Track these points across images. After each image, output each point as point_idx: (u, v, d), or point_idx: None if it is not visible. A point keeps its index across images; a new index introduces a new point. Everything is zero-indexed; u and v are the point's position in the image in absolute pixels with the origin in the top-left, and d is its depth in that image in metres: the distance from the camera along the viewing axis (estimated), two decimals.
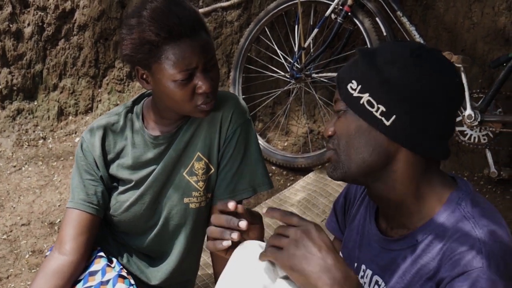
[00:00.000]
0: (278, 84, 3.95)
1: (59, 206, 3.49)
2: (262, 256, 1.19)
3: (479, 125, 3.08)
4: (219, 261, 1.84)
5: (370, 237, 1.39)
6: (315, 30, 3.52)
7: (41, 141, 4.19)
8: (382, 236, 1.35)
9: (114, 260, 1.87)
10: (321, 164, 3.53)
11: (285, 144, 3.96)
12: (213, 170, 1.83)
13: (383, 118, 1.21)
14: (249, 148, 1.84)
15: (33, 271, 2.95)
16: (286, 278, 1.24)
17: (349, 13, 3.37)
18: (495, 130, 3.07)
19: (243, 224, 1.23)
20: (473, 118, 3.05)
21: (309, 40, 3.57)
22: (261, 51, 3.96)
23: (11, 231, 3.27)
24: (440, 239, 1.22)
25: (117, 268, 1.83)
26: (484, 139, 3.11)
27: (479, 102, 3.09)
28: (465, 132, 3.13)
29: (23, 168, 3.90)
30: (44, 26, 4.28)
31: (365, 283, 1.37)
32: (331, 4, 3.42)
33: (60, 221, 3.31)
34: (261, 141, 3.79)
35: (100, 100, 4.38)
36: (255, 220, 1.34)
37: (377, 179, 1.28)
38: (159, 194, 1.84)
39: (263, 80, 3.98)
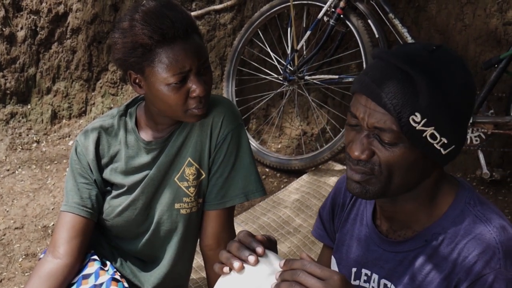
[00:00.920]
0: (272, 86, 3.96)
1: (52, 209, 3.48)
2: None
3: (471, 127, 3.10)
4: (212, 266, 1.84)
5: (369, 240, 1.38)
6: (308, 33, 3.53)
7: (34, 144, 4.18)
8: (385, 238, 1.34)
9: (108, 263, 1.87)
10: (315, 166, 3.54)
11: (279, 146, 3.97)
12: (204, 175, 1.82)
13: (441, 149, 1.18)
14: (241, 153, 1.82)
15: (26, 274, 2.95)
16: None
17: (342, 16, 3.38)
18: (487, 132, 3.08)
19: (251, 259, 1.19)
20: None
21: (302, 42, 3.58)
22: (254, 54, 3.97)
23: (4, 235, 3.26)
24: (453, 238, 1.22)
25: (111, 271, 1.83)
26: (477, 140, 3.12)
27: None
28: None
29: (16, 172, 3.89)
30: (37, 29, 4.28)
31: (373, 287, 1.36)
32: (323, 7, 3.43)
33: (53, 225, 3.31)
34: (254, 143, 3.79)
35: (93, 104, 4.37)
36: (271, 246, 1.30)
37: (406, 193, 1.26)
38: (151, 199, 1.84)
39: (256, 83, 3.99)
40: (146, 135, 1.82)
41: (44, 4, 4.24)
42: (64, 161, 3.95)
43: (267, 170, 3.73)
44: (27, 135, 4.23)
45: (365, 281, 1.38)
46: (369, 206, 1.41)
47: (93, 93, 4.38)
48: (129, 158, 1.82)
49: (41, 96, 4.34)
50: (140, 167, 1.82)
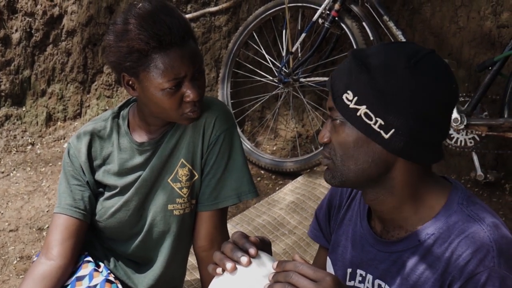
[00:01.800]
0: (267, 88, 3.97)
1: (47, 211, 3.47)
2: None
3: (466, 129, 3.10)
4: (205, 267, 1.84)
5: (364, 241, 1.38)
6: (303, 35, 3.54)
7: (29, 146, 4.18)
8: (379, 238, 1.34)
9: (102, 264, 1.87)
10: (310, 168, 3.55)
11: (274, 148, 3.97)
12: (197, 176, 1.83)
13: (381, 131, 1.20)
14: (234, 154, 1.82)
15: (20, 277, 2.94)
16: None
17: (336, 18, 3.39)
18: (481, 134, 3.09)
19: (244, 260, 1.20)
20: (460, 121, 3.08)
21: (297, 44, 3.59)
22: (249, 56, 3.97)
23: None
24: (446, 238, 1.23)
25: (105, 272, 1.83)
26: (471, 143, 3.13)
27: (465, 106, 3.12)
28: (452, 136, 3.15)
29: (11, 174, 3.89)
30: (32, 32, 4.27)
31: None
32: (318, 9, 3.44)
33: (48, 227, 3.30)
34: (249, 145, 3.80)
35: (88, 106, 4.37)
36: (265, 248, 1.31)
37: (376, 185, 1.28)
38: (144, 201, 1.84)
39: (251, 85, 3.99)
40: (138, 136, 1.82)
41: (39, 6, 4.23)
42: (59, 163, 3.95)
43: (262, 172, 3.73)
44: (22, 137, 4.22)
45: (360, 282, 1.39)
46: (364, 207, 1.41)
47: (88, 95, 4.38)
48: (122, 160, 1.83)
49: (36, 98, 4.34)
50: (133, 168, 1.82)
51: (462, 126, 3.08)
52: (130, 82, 1.70)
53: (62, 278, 1.79)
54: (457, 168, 3.41)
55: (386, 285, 1.32)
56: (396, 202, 1.28)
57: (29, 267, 2.93)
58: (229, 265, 1.20)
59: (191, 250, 1.99)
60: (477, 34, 3.33)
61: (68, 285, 1.80)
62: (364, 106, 1.20)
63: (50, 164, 3.96)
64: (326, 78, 3.57)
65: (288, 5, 3.57)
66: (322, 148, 1.31)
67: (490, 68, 3.06)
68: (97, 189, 1.86)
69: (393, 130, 1.19)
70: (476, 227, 1.20)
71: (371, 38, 3.32)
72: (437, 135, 1.24)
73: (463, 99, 3.17)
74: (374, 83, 1.19)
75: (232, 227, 3.12)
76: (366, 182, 1.27)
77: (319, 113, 3.81)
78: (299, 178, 3.53)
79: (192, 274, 2.68)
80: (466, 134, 3.13)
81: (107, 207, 1.84)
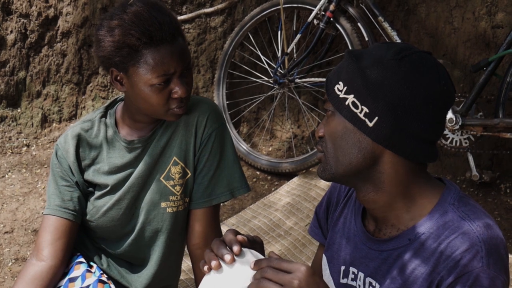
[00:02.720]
0: (262, 89, 3.97)
1: (42, 213, 3.45)
2: None
3: (461, 129, 3.11)
4: (199, 264, 1.84)
5: (357, 239, 1.39)
6: (298, 36, 3.54)
7: (24, 148, 4.17)
8: (371, 237, 1.35)
9: (94, 265, 1.87)
10: (306, 169, 3.55)
11: (270, 149, 3.97)
12: (189, 174, 1.84)
13: (366, 120, 1.23)
14: (225, 151, 1.85)
15: (16, 278, 2.93)
16: None
17: (331, 19, 3.39)
18: (476, 134, 3.10)
19: (227, 257, 1.21)
20: (455, 122, 3.08)
21: (292, 45, 3.59)
22: (244, 57, 3.97)
23: None
24: (436, 238, 1.23)
25: (97, 273, 1.83)
26: (466, 143, 3.14)
27: (460, 106, 3.12)
28: (447, 136, 3.16)
29: (6, 176, 3.88)
30: (27, 33, 4.26)
31: (359, 285, 1.37)
32: (313, 10, 3.44)
33: None
34: (245, 146, 3.80)
35: (84, 107, 4.36)
36: (255, 246, 1.32)
37: (366, 180, 1.29)
38: (136, 199, 1.84)
39: (247, 86, 3.99)
40: (127, 134, 1.83)
41: (34, 8, 4.23)
42: None
43: (257, 173, 3.73)
44: (17, 138, 4.21)
45: (352, 279, 1.40)
46: (359, 206, 1.42)
47: (83, 97, 4.37)
48: (111, 158, 1.83)
49: (31, 100, 4.33)
50: (122, 166, 1.83)
51: (457, 127, 3.09)
52: (119, 77, 1.71)
53: (53, 279, 1.79)
54: (453, 168, 3.42)
55: (377, 283, 1.32)
56: (386, 199, 1.29)
57: None
58: (213, 262, 1.22)
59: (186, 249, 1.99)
60: (472, 34, 3.34)
61: (60, 286, 1.80)
62: (352, 95, 1.24)
63: (46, 166, 3.95)
64: (321, 79, 3.58)
65: (283, 6, 3.57)
66: (318, 143, 1.35)
67: (485, 68, 3.07)
68: (86, 189, 1.86)
69: (376, 118, 1.22)
70: (466, 228, 1.21)
71: (366, 38, 3.33)
72: (424, 132, 1.24)
73: (458, 100, 3.17)
74: (362, 73, 1.23)
75: (227, 227, 3.12)
76: (355, 176, 1.29)
77: (315, 114, 3.82)
78: (295, 179, 3.53)
79: (186, 274, 2.68)
80: (461, 134, 3.14)
81: (98, 206, 1.84)
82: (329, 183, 3.33)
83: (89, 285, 1.76)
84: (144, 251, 1.90)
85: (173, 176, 1.82)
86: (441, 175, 3.41)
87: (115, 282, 1.89)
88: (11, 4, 4.25)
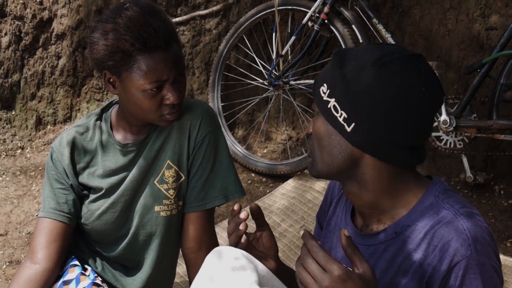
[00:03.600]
0: (257, 91, 3.97)
1: (37, 216, 3.44)
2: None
3: (455, 131, 3.12)
4: (194, 269, 1.84)
5: None
6: (293, 38, 3.55)
7: (19, 151, 4.16)
8: (358, 232, 1.36)
9: (89, 268, 1.86)
10: (300, 171, 3.55)
11: (265, 151, 3.98)
12: (183, 178, 1.83)
13: (345, 124, 1.25)
14: (219, 155, 1.84)
15: (10, 281, 2.92)
16: (259, 284, 1.24)
17: (326, 21, 3.40)
18: (470, 135, 3.11)
19: (243, 214, 1.37)
20: (449, 123, 3.09)
21: (287, 47, 3.60)
22: (239, 59, 3.97)
23: None
24: (421, 229, 1.25)
25: (92, 276, 1.82)
26: (460, 144, 3.15)
27: (454, 108, 3.13)
28: (441, 138, 3.17)
29: (0, 178, 3.87)
30: (22, 35, 4.26)
31: None
32: (308, 12, 3.44)
33: None
34: (240, 149, 3.80)
35: (79, 109, 4.36)
36: (260, 222, 1.48)
37: (349, 179, 1.31)
38: (130, 202, 1.84)
39: (242, 88, 3.99)
40: (121, 137, 1.83)
41: (28, 10, 4.22)
42: None
43: (253, 175, 3.73)
44: (12, 141, 4.20)
45: None
46: (350, 204, 1.44)
47: (78, 99, 4.36)
48: (105, 161, 1.83)
49: (26, 102, 4.32)
50: (117, 169, 1.82)
51: (451, 128, 3.10)
52: (111, 80, 1.71)
53: (48, 281, 1.78)
54: (447, 170, 3.42)
55: None
56: (371, 197, 1.31)
57: None
58: (242, 225, 1.40)
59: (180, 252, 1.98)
60: (466, 36, 3.35)
61: None
62: (334, 99, 1.26)
63: (40, 168, 3.95)
64: None
65: (278, 8, 3.58)
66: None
67: (478, 70, 3.08)
68: (81, 192, 1.85)
69: (353, 124, 1.24)
70: (450, 217, 1.23)
71: (361, 40, 3.34)
72: (404, 137, 1.24)
73: (452, 101, 3.18)
74: (343, 78, 1.25)
75: (223, 230, 3.11)
76: (338, 174, 1.32)
77: (310, 115, 3.82)
78: (290, 181, 3.53)
79: (181, 277, 2.67)
80: (456, 136, 3.14)
81: (93, 209, 1.84)
82: (324, 186, 3.34)
83: None
84: (138, 255, 1.90)
85: (167, 180, 1.81)
86: (430, 174, 3.42)
87: (110, 285, 1.89)
88: (5, 7, 4.24)
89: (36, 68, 4.31)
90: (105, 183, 1.82)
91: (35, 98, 4.33)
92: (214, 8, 4.01)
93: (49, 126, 4.33)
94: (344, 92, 1.24)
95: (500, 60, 3.11)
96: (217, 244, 1.88)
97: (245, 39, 3.84)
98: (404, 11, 3.52)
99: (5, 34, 4.23)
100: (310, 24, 3.47)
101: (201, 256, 1.53)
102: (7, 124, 4.25)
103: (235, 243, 1.41)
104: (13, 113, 4.29)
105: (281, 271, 1.49)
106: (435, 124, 3.14)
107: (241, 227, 1.39)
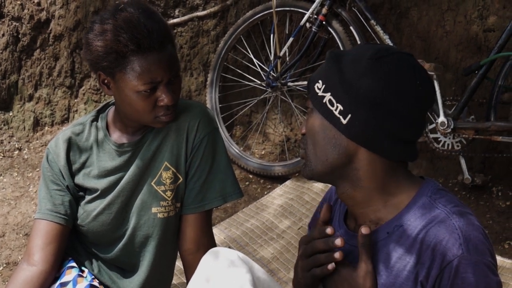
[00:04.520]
0: (255, 92, 3.97)
1: (34, 217, 3.45)
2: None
3: (453, 132, 3.12)
4: (191, 271, 1.84)
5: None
6: (291, 39, 3.55)
7: (16, 152, 4.15)
8: (351, 233, 1.36)
9: (86, 270, 1.86)
10: (298, 172, 3.55)
11: (262, 152, 3.97)
12: (181, 179, 1.83)
13: (341, 117, 1.26)
14: (217, 156, 1.83)
15: (6, 283, 2.92)
16: (254, 285, 1.24)
17: (324, 22, 3.40)
18: (468, 137, 3.11)
19: (338, 241, 1.26)
20: (446, 125, 3.09)
21: (285, 49, 3.59)
22: (237, 60, 3.97)
23: None
24: (414, 229, 1.25)
25: (89, 278, 1.82)
26: (458, 146, 3.15)
27: (452, 110, 3.13)
28: (439, 139, 3.17)
29: None
30: (19, 36, 4.25)
31: None
32: (306, 13, 3.44)
33: None
34: (238, 149, 3.80)
35: (76, 110, 4.35)
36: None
37: (343, 178, 1.32)
38: (127, 203, 1.83)
39: (240, 89, 3.99)
40: (117, 138, 1.83)
41: (26, 11, 4.22)
42: None
43: (250, 176, 3.73)
44: (9, 142, 4.20)
45: None
46: (344, 208, 1.44)
47: (75, 100, 4.36)
48: (101, 162, 1.83)
49: (23, 103, 4.31)
50: (112, 170, 1.82)
51: (449, 130, 3.10)
52: (106, 81, 1.71)
53: (44, 283, 1.77)
54: (445, 172, 3.42)
55: None
56: (364, 195, 1.31)
57: None
58: (337, 254, 1.27)
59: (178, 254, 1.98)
60: (464, 38, 3.35)
61: None
62: (329, 93, 1.28)
63: (38, 169, 3.94)
64: None
65: (276, 9, 3.58)
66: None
67: (476, 71, 3.08)
68: (77, 193, 1.85)
69: (349, 115, 1.26)
70: (442, 217, 1.23)
71: (359, 42, 3.34)
72: (399, 129, 1.27)
73: (450, 103, 3.18)
74: (340, 72, 1.27)
75: (221, 231, 3.11)
76: (332, 173, 1.31)
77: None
78: (288, 182, 3.53)
79: (179, 278, 2.67)
80: (453, 138, 3.14)
81: (89, 210, 1.83)
82: (322, 187, 3.33)
83: None
84: (135, 257, 1.89)
85: (164, 181, 1.81)
86: (433, 178, 3.42)
87: (106, 287, 1.88)
88: (3, 7, 4.24)
89: (33, 69, 4.30)
90: (100, 183, 1.82)
91: (32, 99, 4.32)
92: (212, 9, 4.01)
93: (46, 127, 4.32)
94: (340, 85, 1.26)
95: (498, 62, 3.11)
96: (215, 246, 1.87)
97: (243, 40, 3.84)
98: (402, 12, 3.52)
99: (3, 35, 4.22)
100: (308, 25, 3.47)
101: (199, 258, 1.53)
102: (4, 125, 4.24)
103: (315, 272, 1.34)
104: (10, 114, 4.29)
105: None
106: (433, 125, 3.14)
107: (338, 256, 1.27)
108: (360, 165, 1.29)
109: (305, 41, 3.54)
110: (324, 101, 1.28)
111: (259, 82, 3.85)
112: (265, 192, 3.55)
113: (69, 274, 1.80)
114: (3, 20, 4.23)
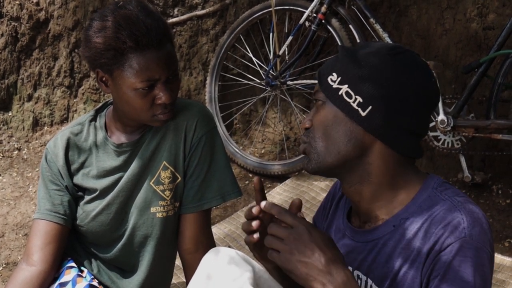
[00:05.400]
0: (254, 91, 3.96)
1: (33, 217, 3.44)
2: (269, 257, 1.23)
3: (452, 130, 3.11)
4: (191, 270, 1.83)
5: (344, 235, 1.41)
6: (290, 38, 3.54)
7: (16, 152, 4.15)
8: (356, 230, 1.36)
9: (85, 270, 1.85)
10: (298, 171, 3.54)
11: (262, 151, 3.97)
12: (179, 179, 1.82)
13: (359, 109, 1.26)
14: (216, 156, 1.83)
15: (6, 283, 2.91)
16: (254, 284, 1.24)
17: (323, 21, 3.40)
18: (468, 135, 3.10)
19: (263, 203, 1.27)
20: (446, 123, 3.09)
21: (284, 47, 3.59)
22: (236, 59, 3.97)
23: None
24: (419, 220, 1.25)
25: (88, 278, 1.82)
26: (458, 144, 3.14)
27: (452, 108, 3.13)
28: (439, 137, 3.16)
29: None
30: (18, 36, 4.25)
31: None
32: (305, 12, 3.44)
33: None
34: (237, 148, 3.79)
35: (75, 110, 4.35)
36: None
37: (352, 171, 1.31)
38: (126, 203, 1.83)
39: (239, 88, 3.99)
40: (116, 138, 1.82)
41: (24, 11, 4.21)
42: None
43: (250, 175, 3.73)
44: (8, 142, 4.19)
45: None
46: (348, 205, 1.44)
47: (75, 100, 4.35)
48: (100, 162, 1.82)
49: (23, 103, 4.31)
50: (111, 170, 1.81)
51: (449, 128, 3.09)
52: (104, 79, 1.70)
53: (44, 284, 1.77)
54: (445, 170, 3.42)
55: (363, 275, 1.34)
56: (372, 190, 1.31)
57: None
58: (255, 208, 1.29)
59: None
60: (463, 36, 3.35)
61: None
62: (346, 85, 1.27)
63: (37, 169, 3.94)
64: (313, 81, 3.58)
65: (275, 8, 3.57)
66: (303, 134, 1.37)
67: (476, 69, 3.08)
68: (76, 193, 1.85)
69: (370, 107, 1.26)
70: (447, 206, 1.24)
71: (358, 40, 3.33)
72: (414, 125, 1.29)
73: (449, 101, 3.18)
74: (358, 64, 1.28)
75: (220, 231, 3.11)
76: (342, 166, 1.31)
77: (307, 115, 3.81)
78: (287, 181, 3.52)
79: (178, 278, 2.67)
80: (453, 136, 3.14)
81: (88, 211, 1.83)
82: (323, 187, 3.33)
83: None
84: (134, 257, 1.89)
85: (163, 181, 1.80)
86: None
87: (106, 287, 1.88)
88: (1, 7, 4.23)
89: (32, 69, 4.30)
90: (99, 184, 1.82)
91: (31, 99, 4.32)
92: (211, 9, 4.00)
93: (46, 127, 4.32)
94: (359, 77, 1.26)
95: (498, 60, 3.11)
96: (214, 245, 1.87)
97: (242, 39, 3.83)
98: (401, 10, 3.52)
99: (2, 35, 4.22)
100: (307, 24, 3.46)
101: (198, 257, 1.52)
102: (3, 125, 4.24)
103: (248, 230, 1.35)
104: (9, 114, 4.28)
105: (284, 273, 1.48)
106: (433, 124, 3.14)
107: (255, 211, 1.31)
108: (373, 159, 1.29)
109: (304, 40, 3.54)
110: (340, 93, 1.28)
111: (258, 81, 3.85)
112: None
113: (68, 274, 1.80)
114: (2, 20, 4.23)
